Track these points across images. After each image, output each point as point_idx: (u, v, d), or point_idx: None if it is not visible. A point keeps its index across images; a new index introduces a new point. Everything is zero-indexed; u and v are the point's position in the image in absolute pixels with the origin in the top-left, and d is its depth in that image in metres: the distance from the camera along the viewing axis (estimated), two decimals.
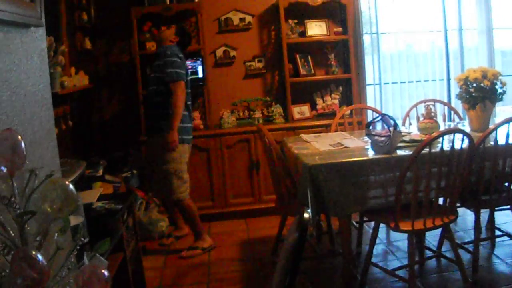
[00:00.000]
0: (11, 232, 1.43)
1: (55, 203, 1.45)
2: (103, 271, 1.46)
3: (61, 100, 5.34)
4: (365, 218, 5.58)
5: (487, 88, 5.05)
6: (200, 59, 6.97)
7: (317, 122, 7.03)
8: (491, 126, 4.66)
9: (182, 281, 5.29)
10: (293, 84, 7.23)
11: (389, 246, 5.73)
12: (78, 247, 1.59)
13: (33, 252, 1.33)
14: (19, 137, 1.48)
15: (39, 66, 2.17)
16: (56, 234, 1.51)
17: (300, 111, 7.29)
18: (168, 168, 5.68)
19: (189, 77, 5.91)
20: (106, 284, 1.46)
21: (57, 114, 5.27)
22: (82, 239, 1.58)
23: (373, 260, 4.82)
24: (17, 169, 1.46)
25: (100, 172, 5.23)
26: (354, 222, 5.67)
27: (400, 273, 4.63)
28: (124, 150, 6.81)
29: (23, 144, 1.48)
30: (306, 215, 2.07)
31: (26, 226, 1.44)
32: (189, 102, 5.84)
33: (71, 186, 1.50)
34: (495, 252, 5.30)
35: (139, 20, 6.81)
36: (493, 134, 4.55)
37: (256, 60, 7.42)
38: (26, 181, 1.47)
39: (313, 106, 7.42)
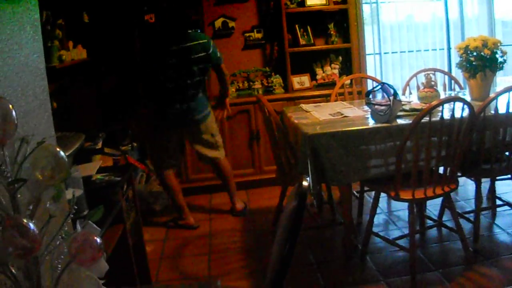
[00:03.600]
0: (3, 201, 1.42)
1: (46, 170, 1.44)
2: (95, 238, 1.45)
3: (60, 74, 5.31)
4: (365, 188, 5.58)
5: (488, 57, 5.01)
6: (199, 31, 6.93)
7: (317, 92, 7.02)
8: (491, 95, 4.63)
9: (183, 253, 5.31)
10: (293, 54, 7.19)
11: (390, 215, 5.74)
12: (72, 216, 1.58)
13: (25, 220, 1.33)
14: (10, 105, 1.46)
15: (32, 36, 2.14)
16: (48, 202, 1.50)
17: (300, 81, 7.27)
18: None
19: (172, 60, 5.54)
20: (99, 251, 1.45)
21: (56, 87, 5.25)
22: (75, 207, 1.56)
23: (374, 229, 4.82)
24: (8, 137, 1.44)
25: (100, 145, 5.21)
26: (354, 192, 5.67)
27: (401, 242, 4.64)
28: (124, 123, 6.79)
29: (14, 113, 1.46)
30: (305, 183, 2.06)
31: (19, 194, 1.43)
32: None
33: (61, 153, 1.48)
34: (496, 222, 5.31)
35: None
36: (494, 103, 4.52)
37: (255, 30, 7.37)
38: (17, 149, 1.46)
39: (313, 76, 7.41)
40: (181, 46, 5.50)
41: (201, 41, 5.55)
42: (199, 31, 6.38)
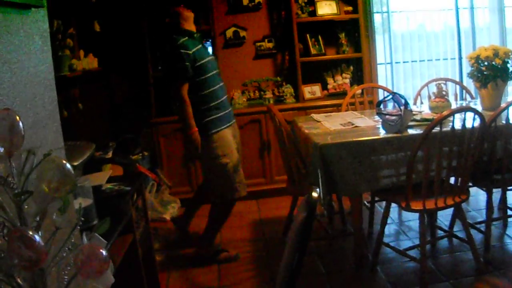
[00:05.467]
0: (10, 212, 1.42)
1: (52, 182, 1.44)
2: (101, 250, 1.45)
3: (71, 83, 5.33)
4: (376, 198, 5.56)
5: (499, 66, 5.00)
6: (210, 40, 6.96)
7: (328, 102, 7.03)
8: (502, 105, 4.60)
9: (193, 263, 5.29)
10: (304, 63, 7.20)
11: (401, 226, 5.72)
12: (79, 227, 1.58)
13: (30, 232, 1.33)
14: (17, 117, 1.46)
15: (41, 47, 2.15)
16: (54, 214, 1.50)
17: (311, 91, 7.28)
18: None
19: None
20: (105, 264, 1.45)
21: (67, 97, 5.27)
22: (82, 219, 1.56)
23: (385, 240, 4.81)
24: (15, 149, 1.44)
25: (110, 154, 5.23)
26: (365, 202, 5.65)
27: (412, 253, 4.63)
28: (135, 132, 6.81)
29: (21, 124, 1.46)
30: (314, 194, 2.06)
31: (25, 206, 1.43)
32: None
33: (68, 165, 1.48)
34: (507, 232, 5.28)
35: (148, 1, 6.79)
36: (505, 112, 4.50)
37: (266, 40, 7.39)
38: (24, 160, 1.46)
39: (324, 86, 7.41)
40: (162, 52, 5.24)
41: (168, 48, 5.09)
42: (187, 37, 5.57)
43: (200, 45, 5.08)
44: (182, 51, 4.86)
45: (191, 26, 5.11)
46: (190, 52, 4.87)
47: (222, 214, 5.33)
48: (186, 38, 4.94)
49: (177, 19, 5.10)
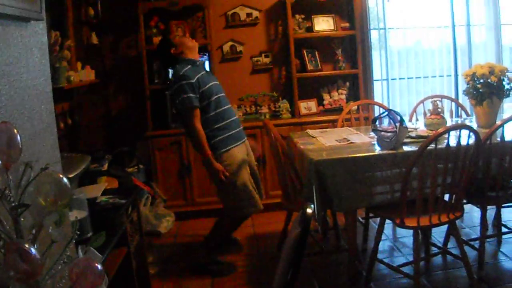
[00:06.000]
0: (6, 225, 1.42)
1: (49, 196, 1.45)
2: (96, 264, 1.45)
3: (67, 95, 5.34)
4: (371, 214, 5.56)
5: (494, 84, 5.02)
6: (207, 54, 6.97)
7: (324, 118, 7.03)
8: (498, 122, 4.62)
9: (187, 276, 5.28)
10: (300, 79, 7.22)
11: (395, 242, 5.71)
12: (74, 241, 1.58)
13: (26, 245, 1.33)
14: (15, 130, 1.47)
15: (39, 60, 2.16)
16: (50, 227, 1.51)
17: (307, 106, 7.28)
18: None
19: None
20: (100, 278, 1.45)
21: (63, 108, 5.27)
22: (78, 232, 1.57)
23: (379, 256, 4.80)
24: (13, 162, 1.45)
25: (105, 167, 5.22)
26: (360, 218, 5.65)
27: (406, 269, 4.62)
28: (131, 145, 6.81)
29: (18, 138, 1.47)
30: (309, 210, 2.07)
31: (22, 219, 1.44)
32: None
33: (65, 179, 1.49)
34: (501, 249, 5.27)
35: (145, 14, 6.80)
36: (500, 130, 4.51)
37: (263, 55, 7.41)
38: (21, 174, 1.47)
39: (320, 102, 7.42)
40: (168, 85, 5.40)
41: (172, 81, 5.15)
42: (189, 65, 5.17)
43: (203, 72, 5.11)
44: (184, 82, 4.91)
45: (194, 55, 5.18)
46: (193, 80, 4.91)
47: (228, 227, 5.44)
48: (189, 66, 5.01)
49: (181, 49, 5.15)
